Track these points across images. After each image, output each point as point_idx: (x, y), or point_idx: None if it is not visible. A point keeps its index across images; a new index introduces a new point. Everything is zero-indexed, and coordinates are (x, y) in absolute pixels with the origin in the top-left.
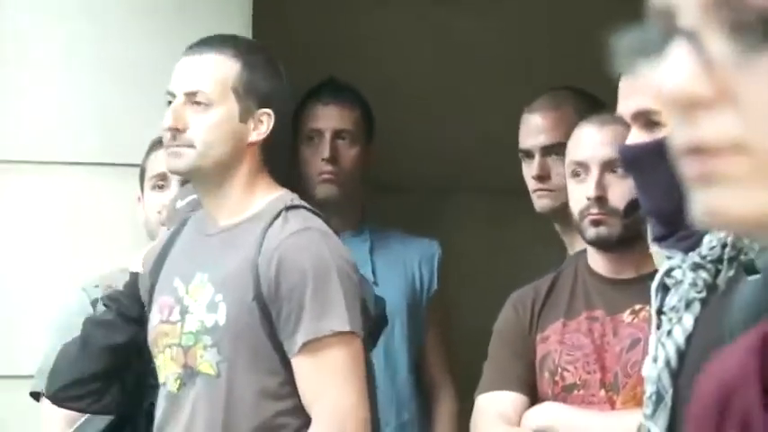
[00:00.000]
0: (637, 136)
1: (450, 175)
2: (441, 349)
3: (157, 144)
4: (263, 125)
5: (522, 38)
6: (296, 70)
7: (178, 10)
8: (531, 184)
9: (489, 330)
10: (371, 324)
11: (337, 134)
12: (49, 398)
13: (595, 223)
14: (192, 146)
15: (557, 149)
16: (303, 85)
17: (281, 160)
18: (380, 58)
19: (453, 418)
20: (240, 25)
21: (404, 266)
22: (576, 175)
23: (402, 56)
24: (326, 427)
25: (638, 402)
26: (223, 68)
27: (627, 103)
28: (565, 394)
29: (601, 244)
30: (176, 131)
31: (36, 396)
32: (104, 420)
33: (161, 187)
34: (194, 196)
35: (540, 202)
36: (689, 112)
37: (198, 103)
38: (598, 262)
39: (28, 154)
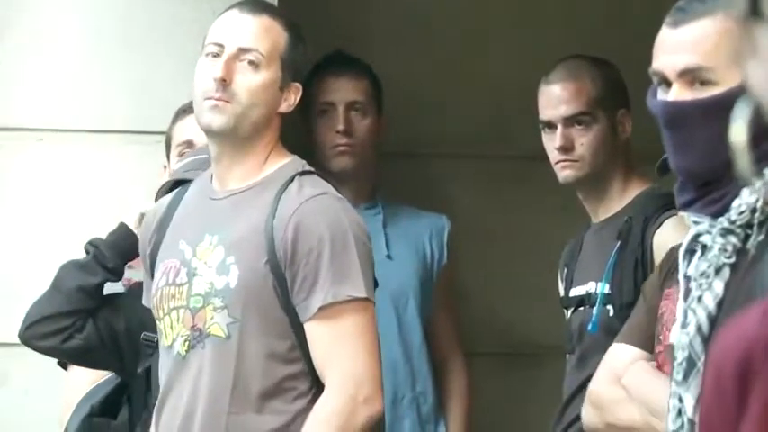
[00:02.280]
0: (680, 93)
1: (463, 141)
2: (450, 322)
3: (183, 112)
4: (291, 97)
5: (536, 3)
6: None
7: None
8: (554, 156)
9: (496, 296)
10: None
11: (350, 106)
12: (20, 339)
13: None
14: (232, 102)
15: (578, 119)
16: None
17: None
18: (394, 25)
19: (465, 391)
20: None
21: (415, 241)
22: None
23: (414, 24)
24: (341, 393)
25: None
26: (276, 34)
27: (672, 59)
28: (664, 354)
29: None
30: (223, 83)
31: (64, 365)
32: (107, 387)
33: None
34: (197, 156)
35: (564, 173)
36: None
37: (250, 62)
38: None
39: (50, 122)
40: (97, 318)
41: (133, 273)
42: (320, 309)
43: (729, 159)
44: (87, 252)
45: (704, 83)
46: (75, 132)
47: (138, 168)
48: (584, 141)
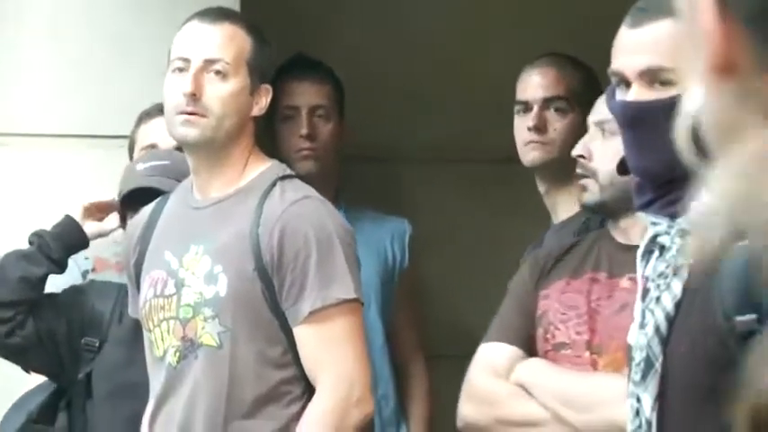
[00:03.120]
0: (639, 93)
1: (428, 145)
2: (411, 325)
3: (147, 115)
4: (262, 100)
5: (514, 7)
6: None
7: None
8: (525, 136)
9: (459, 298)
10: None
11: (313, 110)
12: None
13: (581, 188)
14: (205, 115)
15: (556, 103)
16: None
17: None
18: (361, 31)
19: (426, 394)
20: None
21: (377, 244)
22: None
23: (383, 29)
24: (333, 394)
25: (618, 367)
26: (239, 41)
27: (632, 60)
28: (554, 352)
29: (588, 210)
30: (193, 97)
31: (27, 370)
32: (43, 393)
33: None
34: (161, 162)
35: (531, 155)
36: None
37: (217, 72)
38: (614, 226)
39: (15, 127)
40: (38, 317)
41: (96, 277)
42: (310, 313)
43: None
44: (31, 243)
45: (664, 83)
46: (38, 137)
47: (101, 172)
48: (557, 126)
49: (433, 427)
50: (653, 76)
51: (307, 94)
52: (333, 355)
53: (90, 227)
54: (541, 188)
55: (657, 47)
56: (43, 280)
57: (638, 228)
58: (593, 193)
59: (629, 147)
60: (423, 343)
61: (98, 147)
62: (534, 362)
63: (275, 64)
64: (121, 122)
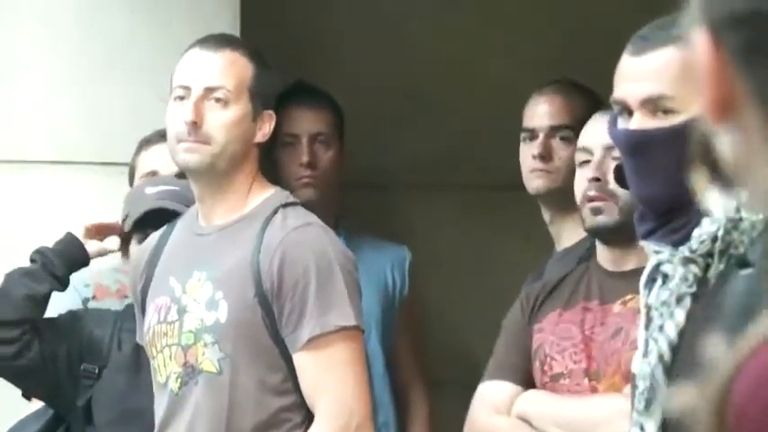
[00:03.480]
0: (642, 122)
1: (427, 172)
2: (412, 352)
3: (147, 142)
4: (266, 126)
5: (506, 32)
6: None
7: (164, 5)
8: (530, 164)
9: (459, 325)
10: None
11: (314, 138)
12: None
13: (595, 211)
14: (207, 143)
15: (562, 132)
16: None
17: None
18: (358, 57)
19: (426, 420)
20: (227, 22)
21: (377, 271)
22: (582, 162)
23: (380, 55)
24: (332, 423)
25: (617, 390)
26: (240, 67)
27: (634, 88)
28: (552, 383)
29: (599, 232)
30: (194, 125)
31: (28, 397)
32: (39, 420)
33: None
34: (170, 187)
35: (536, 183)
36: None
37: (218, 100)
38: (603, 256)
39: (11, 153)
40: (41, 339)
41: (98, 305)
42: (309, 340)
43: (690, 188)
44: (33, 261)
45: (666, 111)
46: (37, 163)
47: (101, 200)
48: (562, 155)
49: None
50: (655, 105)
51: (307, 122)
52: (331, 381)
53: (91, 245)
54: (546, 216)
55: (660, 75)
56: (47, 298)
57: (632, 255)
58: (611, 216)
59: (631, 175)
60: (423, 369)
61: (98, 174)
62: (531, 393)
63: (278, 89)
64: (121, 150)
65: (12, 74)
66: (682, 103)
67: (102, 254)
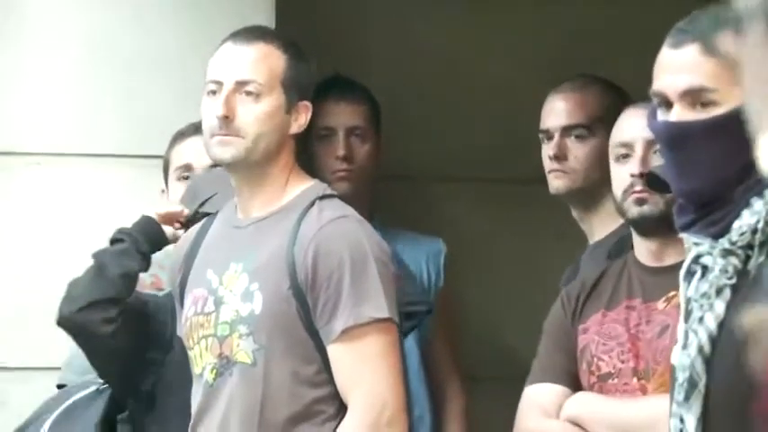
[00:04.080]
0: (682, 114)
1: (460, 164)
2: (447, 345)
3: (182, 135)
4: (302, 117)
5: (535, 29)
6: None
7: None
8: (548, 165)
9: (495, 320)
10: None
11: (350, 131)
12: (63, 323)
13: (639, 202)
14: (240, 135)
15: (576, 131)
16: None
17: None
18: (390, 47)
19: (462, 415)
20: (263, 16)
21: (412, 265)
22: (617, 158)
23: (415, 46)
24: (364, 415)
25: (668, 389)
26: (273, 60)
27: (673, 80)
28: (600, 383)
29: (644, 223)
30: (226, 119)
31: (62, 387)
32: (95, 405)
33: (186, 178)
34: (217, 194)
35: (555, 183)
36: None
37: (249, 93)
38: (642, 251)
39: (47, 146)
40: (128, 321)
41: None
42: (343, 331)
43: (731, 180)
44: (119, 240)
45: (706, 104)
46: (73, 156)
47: (135, 192)
48: (578, 154)
49: None
50: (695, 97)
51: (343, 115)
52: (365, 373)
53: (166, 230)
54: (574, 213)
55: (700, 67)
56: (137, 276)
57: (671, 248)
58: (656, 206)
59: (671, 167)
60: (459, 364)
61: (133, 166)
62: (581, 395)
63: (314, 80)
64: (156, 142)
65: (42, 64)
66: (722, 95)
67: (174, 240)
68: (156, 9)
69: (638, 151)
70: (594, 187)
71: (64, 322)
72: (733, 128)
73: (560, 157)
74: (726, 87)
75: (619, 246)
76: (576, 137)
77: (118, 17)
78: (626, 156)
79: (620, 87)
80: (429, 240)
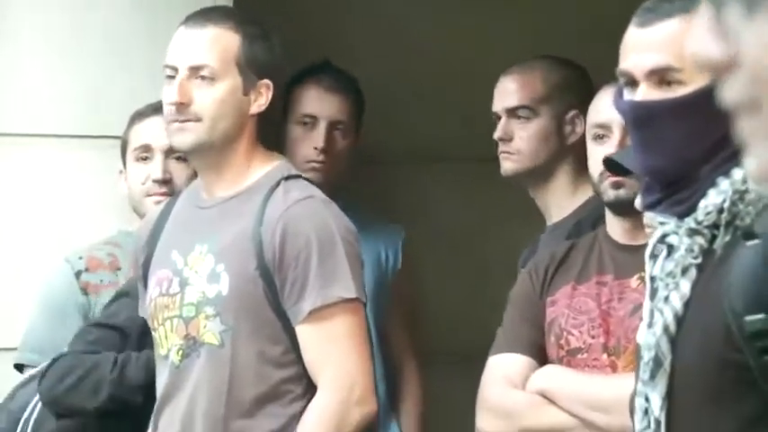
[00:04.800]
0: (648, 93)
1: (428, 146)
2: (404, 326)
3: (140, 115)
4: (262, 97)
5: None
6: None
7: None
8: (499, 148)
9: (456, 298)
10: None
11: (334, 125)
12: (54, 405)
13: (616, 185)
14: (198, 120)
15: (519, 112)
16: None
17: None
18: (353, 31)
19: (418, 395)
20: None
21: (371, 246)
22: (595, 138)
23: (376, 29)
24: (334, 394)
25: None
26: (226, 42)
27: (640, 59)
28: (569, 358)
29: (620, 206)
30: (181, 106)
31: (20, 368)
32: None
33: (145, 159)
34: None
35: (504, 165)
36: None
37: (203, 78)
38: (615, 228)
39: (8, 127)
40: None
41: (90, 276)
42: (311, 312)
43: (697, 159)
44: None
45: (672, 83)
46: (32, 137)
47: (93, 173)
48: (522, 135)
49: (429, 427)
50: (661, 76)
51: (330, 108)
52: (333, 353)
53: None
54: (531, 194)
55: (666, 46)
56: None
57: (644, 228)
58: (632, 189)
59: (637, 147)
60: (415, 344)
61: (92, 148)
62: (551, 368)
63: (278, 57)
64: (115, 123)
65: (5, 47)
66: (688, 74)
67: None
68: None
69: (616, 133)
70: (543, 168)
71: (57, 405)
72: (699, 107)
73: (505, 138)
74: (692, 67)
75: (578, 228)
76: (521, 118)
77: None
78: (602, 137)
79: (573, 62)
80: (388, 224)
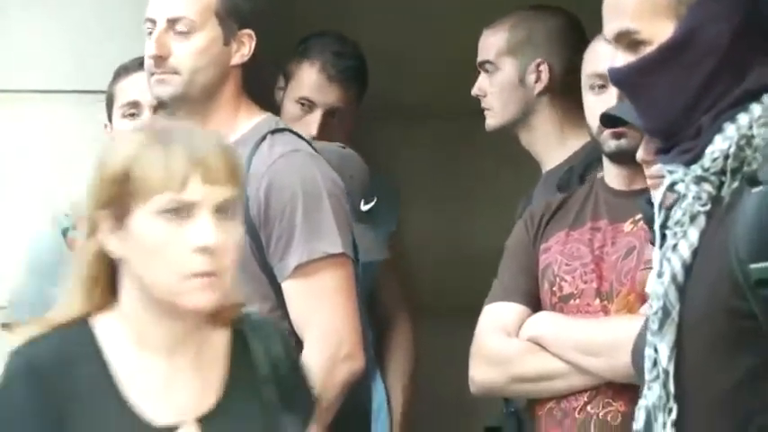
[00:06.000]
0: (624, 58)
1: (403, 103)
2: (394, 281)
3: (126, 70)
4: (245, 47)
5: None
6: None
7: None
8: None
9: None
10: None
11: (330, 112)
12: None
13: (616, 135)
14: (177, 73)
15: (487, 66)
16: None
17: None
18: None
19: (408, 347)
20: None
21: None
22: (592, 88)
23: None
24: (321, 350)
25: (630, 310)
26: None
27: (609, 26)
28: (561, 304)
29: (622, 156)
30: (160, 59)
31: (7, 327)
32: None
33: (133, 115)
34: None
35: (486, 121)
36: None
37: (181, 30)
38: (612, 175)
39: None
40: None
41: (77, 234)
42: (296, 268)
43: (689, 108)
44: None
45: (639, 44)
46: (17, 93)
47: (80, 128)
48: (491, 90)
49: (418, 383)
50: (628, 40)
51: (328, 96)
52: (320, 309)
53: None
54: (523, 144)
55: (622, 9)
56: None
57: (642, 174)
58: (633, 139)
59: (634, 108)
60: (407, 298)
61: (80, 103)
62: (543, 315)
63: (258, 5)
64: (104, 77)
65: None
66: (648, 33)
67: None
68: None
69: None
70: (521, 119)
71: None
72: (666, 61)
73: (480, 95)
74: (648, 25)
75: (568, 175)
76: (488, 72)
77: None
78: (602, 86)
79: (559, 12)
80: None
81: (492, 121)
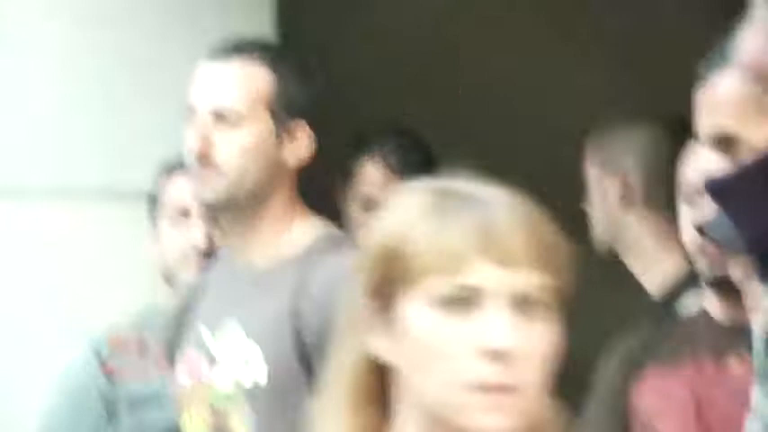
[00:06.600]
0: (718, 162)
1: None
2: None
3: (172, 168)
4: (299, 142)
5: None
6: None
7: (193, 8)
8: None
9: None
10: None
11: None
12: None
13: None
14: (220, 172)
15: None
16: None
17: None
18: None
19: None
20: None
21: None
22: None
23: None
24: None
25: None
26: (257, 80)
27: (705, 123)
28: None
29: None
30: (202, 155)
31: None
32: None
33: (181, 222)
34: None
35: None
36: None
37: (227, 122)
38: (713, 304)
39: (20, 181)
40: None
41: (113, 359)
42: None
43: None
44: None
45: (737, 146)
46: (41, 193)
47: (117, 234)
48: None
49: None
50: (726, 140)
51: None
52: None
53: None
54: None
55: (728, 108)
56: None
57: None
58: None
59: (734, 223)
60: None
61: (116, 206)
62: None
63: (315, 98)
64: (143, 176)
65: (23, 91)
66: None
67: None
68: (143, 18)
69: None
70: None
71: None
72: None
73: None
74: (746, 125)
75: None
76: None
77: (99, 28)
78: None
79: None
80: None
81: None
